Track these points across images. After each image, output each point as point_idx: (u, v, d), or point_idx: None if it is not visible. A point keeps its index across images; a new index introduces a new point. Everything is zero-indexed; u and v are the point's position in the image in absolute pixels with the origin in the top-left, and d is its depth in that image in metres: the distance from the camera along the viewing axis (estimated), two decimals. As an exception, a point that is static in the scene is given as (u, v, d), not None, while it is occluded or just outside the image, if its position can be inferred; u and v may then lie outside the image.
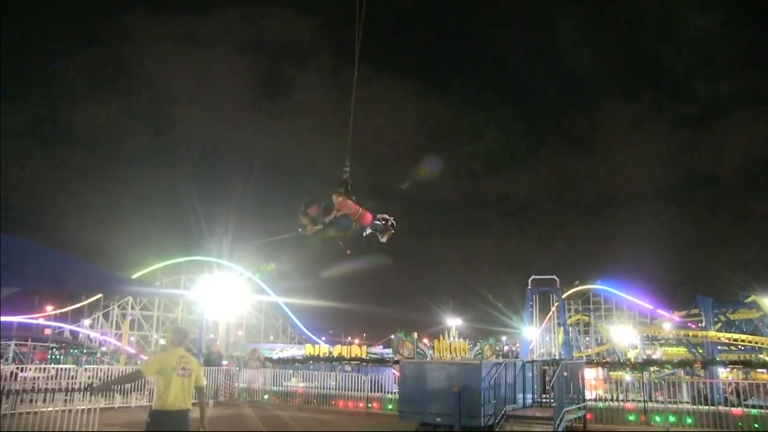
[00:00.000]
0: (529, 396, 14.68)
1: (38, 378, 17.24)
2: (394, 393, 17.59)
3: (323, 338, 65.90)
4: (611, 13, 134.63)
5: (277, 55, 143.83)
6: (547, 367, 16.56)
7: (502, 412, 12.94)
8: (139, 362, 33.13)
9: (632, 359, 37.03)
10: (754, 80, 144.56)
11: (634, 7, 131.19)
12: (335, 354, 28.12)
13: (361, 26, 10.03)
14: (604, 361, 31.74)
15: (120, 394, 17.30)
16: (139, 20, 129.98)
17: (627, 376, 21.67)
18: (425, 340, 37.75)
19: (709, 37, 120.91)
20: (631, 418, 15.86)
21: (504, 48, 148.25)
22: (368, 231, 9.34)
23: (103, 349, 51.22)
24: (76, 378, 17.34)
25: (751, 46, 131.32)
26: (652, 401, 16.55)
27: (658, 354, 48.17)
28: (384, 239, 9.36)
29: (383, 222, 9.36)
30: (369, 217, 9.30)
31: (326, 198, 9.09)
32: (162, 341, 63.31)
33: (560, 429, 12.47)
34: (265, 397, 20.33)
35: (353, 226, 9.19)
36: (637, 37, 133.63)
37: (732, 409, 15.19)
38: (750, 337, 44.14)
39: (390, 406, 17.63)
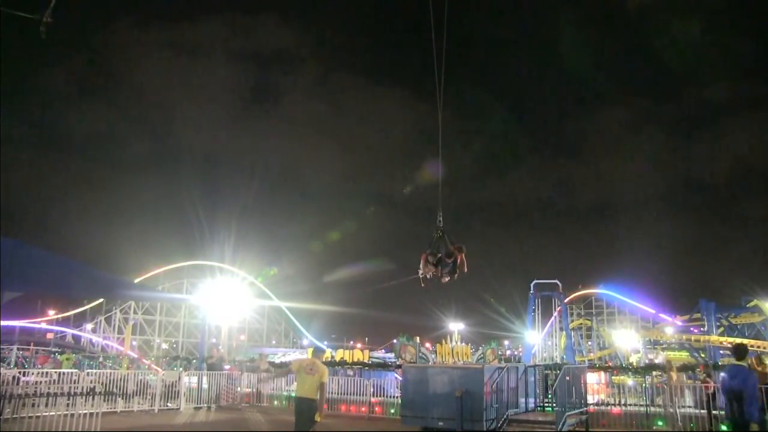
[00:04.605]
0: (531, 400, 14.65)
1: (40, 382, 17.28)
2: (397, 397, 17.58)
3: (325, 342, 65.85)
4: (604, 20, 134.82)
5: (267, 62, 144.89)
6: (549, 372, 16.54)
7: (505, 416, 12.93)
8: (141, 366, 33.15)
9: (634, 363, 36.98)
10: (748, 85, 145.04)
11: (626, 15, 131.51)
12: (337, 358, 28.09)
13: (442, 76, 11.60)
14: (607, 365, 31.66)
15: (122, 398, 17.32)
16: (127, 29, 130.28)
17: (629, 381, 21.61)
18: (427, 345, 37.63)
19: (700, 44, 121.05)
20: (633, 422, 15.83)
21: (501, 55, 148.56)
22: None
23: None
24: (78, 382, 17.38)
25: (741, 53, 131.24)
26: (654, 406, 16.52)
27: (660, 358, 48.09)
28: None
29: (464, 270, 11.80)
30: (464, 267, 11.72)
31: (453, 250, 11.62)
32: (164, 345, 63.40)
33: (562, 432, 12.46)
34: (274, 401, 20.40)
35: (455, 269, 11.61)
36: (631, 44, 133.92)
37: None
38: (752, 342, 44.01)
39: (392, 410, 17.61)
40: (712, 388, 15.55)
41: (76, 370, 20.43)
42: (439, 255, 11.82)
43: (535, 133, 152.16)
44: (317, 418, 10.02)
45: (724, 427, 14.46)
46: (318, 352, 12.16)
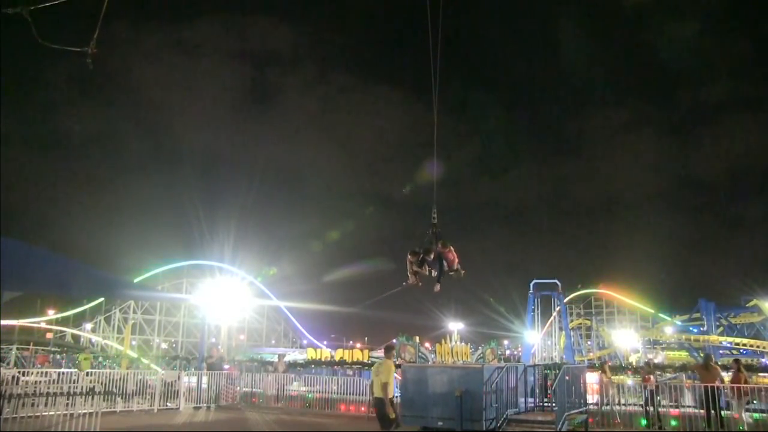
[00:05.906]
0: (530, 400, 14.65)
1: (40, 382, 17.29)
2: (396, 397, 17.56)
3: (325, 342, 65.88)
4: (603, 20, 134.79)
5: (264, 62, 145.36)
6: (548, 371, 16.55)
7: (504, 416, 12.92)
8: (140, 366, 33.06)
9: (634, 363, 37.02)
10: (747, 85, 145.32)
11: (625, 16, 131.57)
12: (337, 358, 28.18)
13: (437, 75, 11.54)
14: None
15: (122, 398, 17.31)
16: (125, 29, 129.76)
17: (629, 380, 21.63)
18: (427, 344, 37.79)
19: (698, 44, 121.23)
20: (633, 422, 15.86)
21: (500, 55, 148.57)
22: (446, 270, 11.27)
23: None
24: (77, 382, 17.38)
25: (737, 53, 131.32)
26: (653, 405, 16.54)
27: (659, 358, 48.14)
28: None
29: (459, 268, 11.44)
30: (455, 263, 11.35)
31: (433, 246, 11.15)
32: (164, 345, 63.39)
33: (562, 432, 12.46)
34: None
35: (445, 266, 11.19)
36: (630, 44, 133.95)
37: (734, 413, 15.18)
38: (752, 341, 44.12)
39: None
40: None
41: (76, 370, 20.42)
42: (419, 252, 11.14)
43: (535, 133, 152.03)
44: (390, 415, 10.38)
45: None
46: (387, 350, 12.30)
